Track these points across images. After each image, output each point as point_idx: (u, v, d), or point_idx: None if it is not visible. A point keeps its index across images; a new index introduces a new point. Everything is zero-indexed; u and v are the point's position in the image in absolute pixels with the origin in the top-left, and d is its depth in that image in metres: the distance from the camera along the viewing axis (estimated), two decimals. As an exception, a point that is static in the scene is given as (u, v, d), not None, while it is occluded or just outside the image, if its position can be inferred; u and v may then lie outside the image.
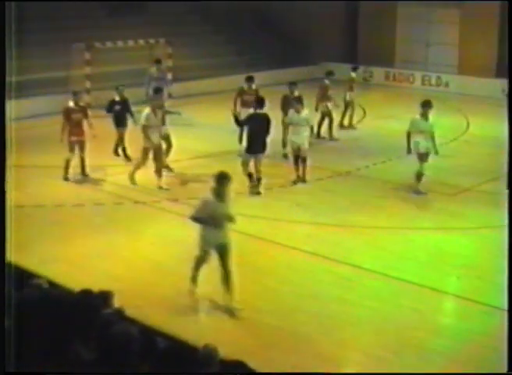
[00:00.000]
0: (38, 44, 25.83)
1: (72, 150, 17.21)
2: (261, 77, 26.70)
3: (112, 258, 12.99)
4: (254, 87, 20.17)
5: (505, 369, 7.54)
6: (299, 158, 17.42)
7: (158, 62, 24.03)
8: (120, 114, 19.05)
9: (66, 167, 17.29)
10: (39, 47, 25.77)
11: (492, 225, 14.56)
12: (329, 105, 21.63)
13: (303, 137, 17.33)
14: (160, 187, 16.72)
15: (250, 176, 16.67)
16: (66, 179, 17.26)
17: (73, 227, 14.48)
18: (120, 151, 19.37)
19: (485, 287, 12.02)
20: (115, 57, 26.79)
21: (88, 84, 24.87)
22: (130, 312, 8.09)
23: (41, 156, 18.90)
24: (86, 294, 6.66)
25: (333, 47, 33.53)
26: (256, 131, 16.42)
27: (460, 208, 15.87)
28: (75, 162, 17.50)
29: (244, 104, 19.81)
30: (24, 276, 8.15)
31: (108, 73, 26.16)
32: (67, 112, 17.32)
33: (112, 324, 5.91)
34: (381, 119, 24.30)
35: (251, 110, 19.42)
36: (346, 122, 23.40)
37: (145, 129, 16.65)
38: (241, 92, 20.11)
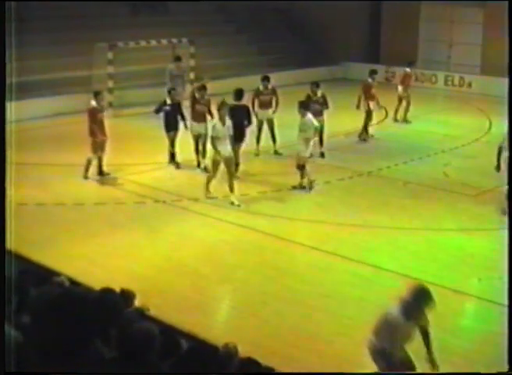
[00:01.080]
0: (61, 43, 25.98)
1: (96, 151, 17.20)
2: (282, 77, 26.76)
3: (133, 257, 13.04)
4: (269, 86, 19.95)
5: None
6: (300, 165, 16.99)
7: (177, 59, 24.10)
8: (171, 118, 18.41)
9: (88, 166, 17.31)
10: (62, 46, 25.91)
11: (515, 226, 14.48)
12: (371, 104, 21.60)
13: (302, 144, 16.79)
14: (232, 203, 15.75)
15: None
16: (86, 178, 17.29)
17: (94, 226, 14.54)
18: (168, 156, 18.75)
19: (507, 289, 11.94)
20: (137, 57, 26.85)
21: (111, 84, 24.94)
22: (151, 311, 8.13)
23: (62, 155, 18.98)
24: (107, 292, 6.68)
25: (355, 47, 33.49)
26: (235, 122, 16.71)
27: (482, 209, 15.79)
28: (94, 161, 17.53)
29: (261, 104, 19.72)
30: (45, 274, 8.18)
31: (131, 73, 26.27)
32: (93, 112, 17.24)
33: (134, 323, 5.92)
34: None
35: (270, 111, 19.43)
36: (399, 116, 23.98)
37: (213, 140, 15.90)
38: (257, 93, 19.87)
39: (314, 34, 33.72)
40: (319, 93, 19.34)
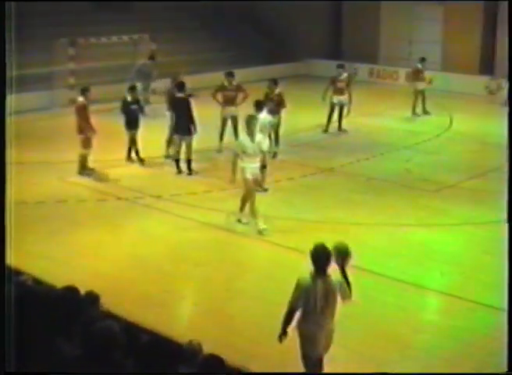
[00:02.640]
0: (21, 40, 25.70)
1: (89, 146, 17.13)
2: (245, 74, 26.72)
3: (95, 255, 12.96)
4: (234, 82, 19.87)
5: (491, 367, 7.58)
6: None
7: (151, 58, 24.06)
8: (135, 115, 18.43)
9: (84, 162, 17.23)
10: (22, 43, 25.63)
11: (476, 222, 14.63)
12: (335, 98, 21.87)
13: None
14: (260, 232, 14.04)
15: (177, 161, 17.60)
16: (89, 174, 17.19)
17: (56, 224, 14.43)
18: (134, 154, 18.69)
19: (469, 284, 12.06)
20: (99, 53, 26.70)
21: (72, 80, 24.78)
22: (114, 309, 8.09)
23: (24, 152, 18.80)
24: (69, 290, 6.64)
25: (318, 44, 33.60)
26: (178, 115, 17.00)
27: (444, 204, 15.91)
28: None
29: (226, 100, 19.62)
30: (8, 274, 8.09)
31: (93, 69, 26.11)
32: (83, 108, 17.20)
33: (96, 321, 5.89)
34: (365, 116, 24.33)
35: (232, 107, 19.35)
36: (418, 110, 24.98)
37: (238, 158, 14.14)
38: (221, 88, 19.77)
39: (276, 31, 33.79)
40: (277, 91, 19.25)
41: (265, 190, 16.22)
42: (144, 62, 24.60)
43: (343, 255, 8.73)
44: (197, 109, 18.15)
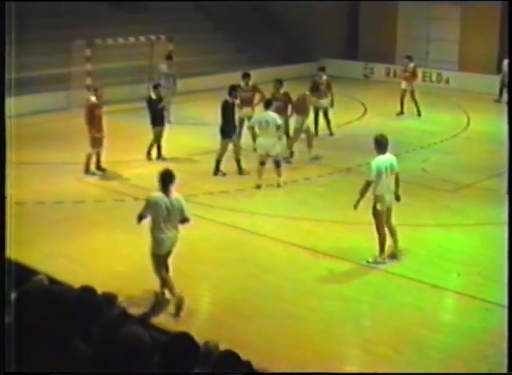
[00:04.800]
0: (38, 41, 25.84)
1: (97, 145, 17.22)
2: (261, 74, 26.71)
3: (113, 256, 13.01)
4: (250, 83, 19.90)
5: (505, 366, 7.55)
6: (264, 164, 16.97)
7: (168, 58, 24.02)
8: (160, 113, 18.66)
9: (88, 162, 17.34)
10: (39, 44, 25.78)
11: (493, 222, 14.57)
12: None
13: (271, 142, 16.88)
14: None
15: (218, 162, 17.73)
16: (88, 173, 17.27)
17: (74, 224, 14.50)
18: (154, 152, 18.87)
19: (486, 284, 12.03)
20: (116, 54, 26.79)
21: (89, 81, 24.87)
22: (130, 309, 8.12)
23: (40, 153, 18.91)
24: (86, 290, 6.66)
25: (334, 44, 33.53)
26: (228, 118, 17.35)
27: (461, 204, 15.87)
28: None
29: (242, 101, 19.56)
30: (25, 273, 8.14)
31: (109, 70, 26.19)
32: (93, 108, 17.26)
33: (117, 323, 5.89)
34: (382, 115, 24.29)
35: (249, 108, 19.37)
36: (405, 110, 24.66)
37: (370, 184, 12.88)
38: (238, 89, 19.64)
39: (292, 31, 33.74)
40: (282, 90, 19.28)
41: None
42: (164, 64, 24.51)
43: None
44: (211, 110, 18.21)
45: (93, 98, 17.32)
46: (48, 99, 23.47)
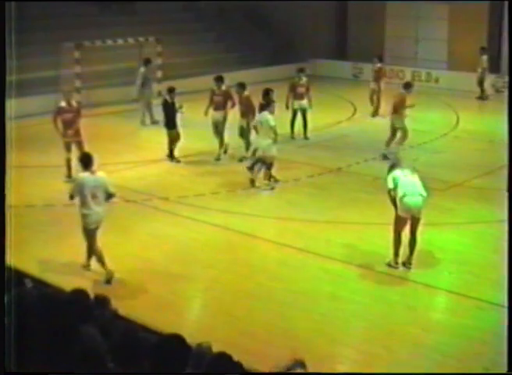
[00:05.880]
0: (27, 44, 25.74)
1: (68, 150, 17.10)
2: (251, 75, 26.76)
3: (104, 257, 12.94)
4: (223, 87, 19.42)
5: (501, 365, 7.56)
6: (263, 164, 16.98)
7: (147, 62, 23.94)
8: (173, 116, 18.77)
9: (68, 166, 17.19)
10: (28, 46, 25.68)
11: (483, 220, 14.61)
12: (296, 103, 21.44)
13: (266, 143, 16.82)
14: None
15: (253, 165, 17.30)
16: (70, 177, 17.16)
17: (65, 227, 14.42)
18: (176, 150, 19.04)
19: (477, 282, 12.05)
20: (104, 56, 26.73)
21: (78, 83, 24.84)
22: (123, 311, 8.10)
23: (29, 156, 18.84)
24: (78, 293, 6.64)
25: (323, 44, 33.57)
26: None
27: (451, 203, 15.89)
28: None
29: (215, 105, 19.18)
30: (14, 277, 8.12)
31: (98, 72, 26.15)
32: (56, 112, 17.16)
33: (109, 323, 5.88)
34: (371, 115, 24.28)
35: (221, 112, 19.10)
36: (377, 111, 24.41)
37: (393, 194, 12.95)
38: (212, 93, 19.43)
39: (281, 32, 33.76)
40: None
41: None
42: (143, 68, 24.34)
43: None
44: (200, 111, 18.19)
45: (62, 103, 17.19)
46: (38, 102, 23.37)
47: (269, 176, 16.92)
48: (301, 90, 21.31)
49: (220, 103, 19.19)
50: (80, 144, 17.03)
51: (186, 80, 27.42)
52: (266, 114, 16.81)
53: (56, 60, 25.08)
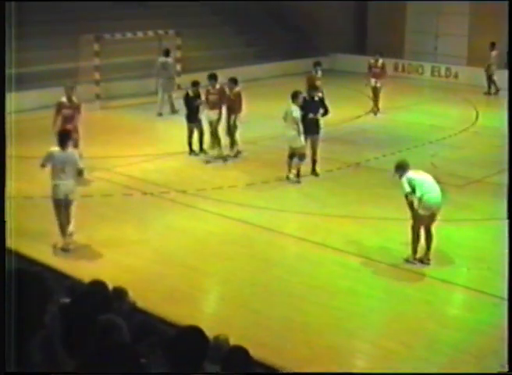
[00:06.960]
0: (46, 36, 25.84)
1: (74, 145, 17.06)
2: (270, 68, 26.75)
3: (121, 249, 12.99)
4: (217, 86, 19.02)
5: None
6: (292, 157, 16.94)
7: (166, 53, 23.99)
8: (195, 109, 18.72)
9: None
10: (47, 38, 25.78)
11: (502, 216, 14.43)
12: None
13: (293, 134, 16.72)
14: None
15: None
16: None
17: (82, 219, 14.44)
18: (195, 143, 18.99)
19: (495, 279, 11.97)
20: (123, 48, 26.77)
21: (97, 76, 24.88)
22: (140, 303, 8.13)
23: (47, 147, 18.84)
24: (96, 284, 6.65)
25: (343, 38, 33.47)
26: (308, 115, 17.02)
27: (470, 199, 15.83)
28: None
29: (210, 104, 18.80)
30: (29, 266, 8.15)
31: (117, 65, 26.19)
32: (58, 108, 16.97)
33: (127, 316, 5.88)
34: (390, 110, 24.23)
35: (216, 111, 18.90)
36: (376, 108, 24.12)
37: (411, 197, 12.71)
38: (206, 92, 18.99)
39: (301, 26, 33.72)
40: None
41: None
42: (162, 59, 24.32)
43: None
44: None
45: (63, 98, 17.10)
46: (56, 94, 23.40)
47: (298, 170, 16.86)
48: (319, 83, 21.25)
49: (215, 102, 18.84)
50: (75, 142, 16.66)
51: (205, 74, 27.43)
52: (292, 105, 16.72)
53: (75, 52, 25.12)
